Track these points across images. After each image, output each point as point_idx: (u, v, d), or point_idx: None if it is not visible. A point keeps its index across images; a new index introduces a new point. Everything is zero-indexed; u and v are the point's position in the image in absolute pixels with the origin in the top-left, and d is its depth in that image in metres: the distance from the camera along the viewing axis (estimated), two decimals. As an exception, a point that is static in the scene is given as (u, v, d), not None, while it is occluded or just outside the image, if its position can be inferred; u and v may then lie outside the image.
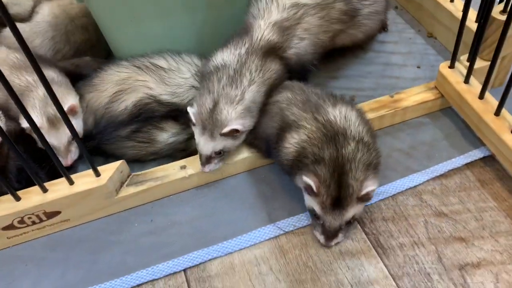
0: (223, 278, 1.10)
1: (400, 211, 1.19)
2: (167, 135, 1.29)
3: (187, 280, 1.10)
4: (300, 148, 1.10)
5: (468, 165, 1.28)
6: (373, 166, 1.08)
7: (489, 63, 1.20)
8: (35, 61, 0.91)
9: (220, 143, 1.15)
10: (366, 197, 1.05)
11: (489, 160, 1.28)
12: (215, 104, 1.14)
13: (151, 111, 1.26)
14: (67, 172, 1.14)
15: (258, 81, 1.18)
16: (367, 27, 1.47)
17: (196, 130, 1.16)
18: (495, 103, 1.22)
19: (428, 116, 1.41)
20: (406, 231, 1.15)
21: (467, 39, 1.31)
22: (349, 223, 1.08)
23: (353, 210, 1.05)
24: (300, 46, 1.28)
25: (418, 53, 1.63)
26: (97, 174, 1.16)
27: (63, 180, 1.16)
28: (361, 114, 1.17)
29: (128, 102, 1.27)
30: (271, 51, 1.22)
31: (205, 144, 1.15)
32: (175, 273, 1.11)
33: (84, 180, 1.16)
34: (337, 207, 1.04)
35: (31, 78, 1.25)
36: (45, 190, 1.14)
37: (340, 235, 1.09)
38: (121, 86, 1.28)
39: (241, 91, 1.15)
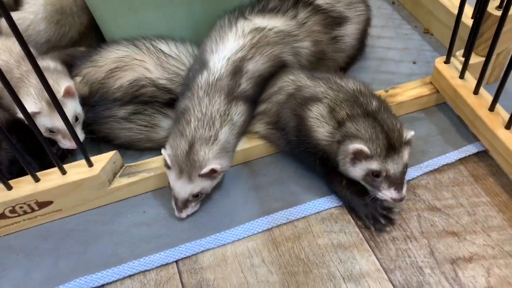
0: (215, 269, 1.09)
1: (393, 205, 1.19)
2: (171, 122, 1.24)
3: (179, 272, 1.10)
4: (329, 118, 1.12)
5: (462, 160, 1.28)
6: (396, 114, 1.13)
7: (484, 58, 1.20)
8: (25, 45, 0.91)
9: (198, 185, 1.11)
10: (409, 142, 1.08)
11: (483, 156, 1.28)
12: (191, 145, 1.10)
13: (150, 95, 1.24)
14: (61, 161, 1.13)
15: (229, 124, 1.14)
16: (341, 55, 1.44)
17: (172, 174, 1.11)
18: (489, 98, 1.22)
19: (423, 111, 1.41)
20: (399, 225, 1.15)
21: (463, 34, 1.31)
22: (406, 169, 1.09)
23: (406, 153, 1.07)
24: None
25: (414, 49, 1.63)
26: (90, 164, 1.16)
27: (55, 170, 1.15)
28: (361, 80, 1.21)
29: (123, 80, 1.24)
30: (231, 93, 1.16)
31: (182, 187, 1.11)
32: (167, 264, 1.11)
33: (77, 170, 1.16)
34: (393, 152, 1.05)
35: (27, 67, 1.24)
36: (37, 179, 1.14)
37: (405, 183, 1.09)
38: (119, 64, 1.26)
39: (215, 132, 1.11)
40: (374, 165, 1.05)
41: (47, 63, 1.28)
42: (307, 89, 1.18)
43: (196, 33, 1.40)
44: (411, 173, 1.24)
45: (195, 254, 1.12)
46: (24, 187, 1.13)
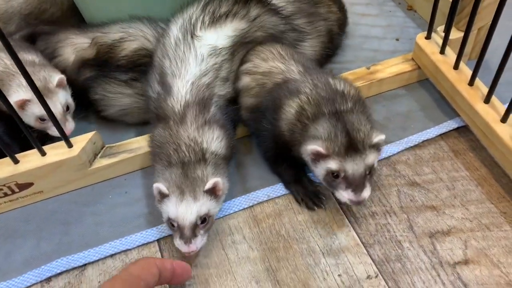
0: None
1: (373, 181, 1.19)
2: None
3: (160, 250, 1.10)
4: (300, 110, 1.08)
5: (442, 136, 1.28)
6: (372, 122, 1.09)
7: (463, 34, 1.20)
8: (8, 44, 0.92)
9: (204, 204, 1.01)
10: (378, 147, 1.04)
11: (463, 131, 1.29)
12: (184, 168, 1.04)
13: (148, 64, 1.25)
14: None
15: (212, 148, 1.09)
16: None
17: (171, 201, 1.00)
18: (469, 73, 1.22)
19: (405, 88, 1.41)
20: (378, 200, 1.16)
21: (446, 10, 1.30)
22: (370, 173, 1.03)
23: (372, 156, 1.02)
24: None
25: (398, 26, 1.63)
26: (69, 145, 1.15)
27: (34, 151, 1.15)
28: (359, 91, 1.15)
29: (128, 50, 1.28)
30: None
31: (187, 209, 0.99)
32: (148, 243, 1.12)
33: (56, 151, 1.15)
34: (354, 152, 1.00)
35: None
36: (16, 161, 1.13)
37: (367, 187, 1.02)
38: (124, 33, 1.30)
39: (201, 155, 1.06)
40: (331, 164, 1.00)
41: (32, 57, 1.28)
42: (294, 83, 1.14)
43: (173, 10, 1.37)
44: (392, 149, 1.25)
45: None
46: (3, 169, 1.13)
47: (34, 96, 1.13)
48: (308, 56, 1.32)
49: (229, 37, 1.20)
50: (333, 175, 1.02)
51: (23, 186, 1.16)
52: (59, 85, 1.23)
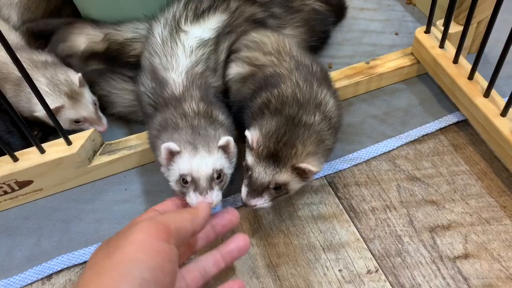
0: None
1: (373, 176, 1.20)
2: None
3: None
4: (266, 101, 1.06)
5: (442, 130, 1.28)
6: (324, 149, 1.02)
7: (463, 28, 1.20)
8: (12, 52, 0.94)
9: (220, 160, 0.98)
10: (303, 173, 0.97)
11: (463, 125, 1.29)
12: (194, 129, 1.01)
13: None
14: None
15: (220, 118, 1.09)
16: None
17: (184, 157, 0.96)
18: (469, 67, 1.22)
19: (404, 83, 1.41)
20: (378, 195, 1.16)
21: (445, 4, 1.29)
22: (278, 189, 0.98)
23: (288, 176, 0.97)
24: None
25: (397, 20, 1.62)
26: (69, 142, 1.15)
27: (34, 149, 1.14)
28: (339, 99, 1.12)
29: (138, 51, 1.31)
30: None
31: (202, 162, 0.95)
32: (149, 239, 1.11)
33: (56, 148, 1.15)
34: (271, 161, 0.96)
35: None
36: (15, 159, 1.13)
37: (265, 198, 0.98)
38: (136, 34, 1.32)
39: (210, 118, 1.06)
40: (250, 158, 0.99)
41: (45, 57, 1.29)
42: (278, 78, 1.09)
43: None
44: (391, 144, 1.25)
45: (176, 229, 1.13)
46: (2, 167, 1.12)
47: (66, 101, 1.21)
48: (308, 55, 1.25)
49: (213, 30, 1.21)
50: (247, 169, 1.01)
51: (22, 184, 1.16)
52: (80, 84, 1.24)
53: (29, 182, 1.16)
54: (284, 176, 0.97)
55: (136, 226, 0.72)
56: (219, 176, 0.97)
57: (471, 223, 1.09)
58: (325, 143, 1.02)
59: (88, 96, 1.26)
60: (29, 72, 1.20)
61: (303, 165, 0.96)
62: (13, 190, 1.16)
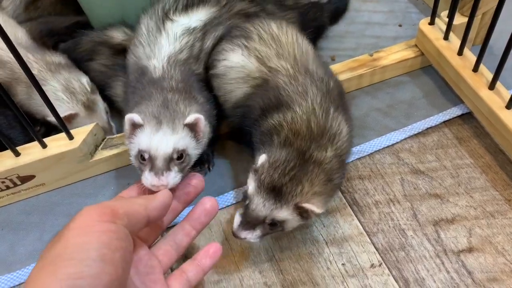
0: (199, 237, 1.09)
1: (376, 170, 1.19)
2: None
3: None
4: (278, 126, 0.99)
5: (446, 123, 1.27)
6: (331, 188, 0.96)
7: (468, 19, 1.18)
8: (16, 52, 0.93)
9: (183, 139, 0.92)
10: (304, 212, 0.91)
11: (467, 118, 1.27)
12: (166, 100, 0.98)
13: None
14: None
15: (198, 97, 1.07)
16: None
17: (145, 132, 0.92)
18: (473, 59, 1.20)
19: (408, 75, 1.39)
20: (382, 189, 1.15)
21: (449, -5, 1.28)
22: (274, 226, 0.92)
23: (288, 214, 0.91)
24: None
25: (400, 12, 1.60)
26: (70, 137, 1.15)
27: (36, 144, 1.14)
28: (351, 125, 1.06)
29: None
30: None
31: (163, 139, 0.90)
32: (151, 234, 1.11)
33: (57, 143, 1.15)
34: (273, 195, 0.90)
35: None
36: (17, 154, 1.13)
37: (257, 232, 0.93)
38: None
39: (186, 92, 1.03)
40: (251, 185, 0.94)
41: (59, 59, 1.29)
42: (290, 94, 1.02)
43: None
44: (395, 137, 1.24)
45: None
46: (4, 162, 1.12)
47: (82, 110, 1.23)
48: (323, 65, 1.15)
49: (200, 20, 1.19)
50: (245, 196, 0.95)
51: (25, 179, 1.15)
52: (93, 91, 1.26)
53: (31, 177, 1.16)
54: (284, 213, 0.90)
55: (79, 213, 0.71)
56: (180, 157, 0.92)
57: (476, 216, 1.08)
58: (333, 182, 0.96)
59: (101, 105, 1.27)
60: (43, 74, 1.22)
61: (307, 205, 0.90)
62: (15, 185, 1.15)
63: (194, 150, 0.96)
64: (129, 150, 0.97)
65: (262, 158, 0.93)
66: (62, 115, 1.13)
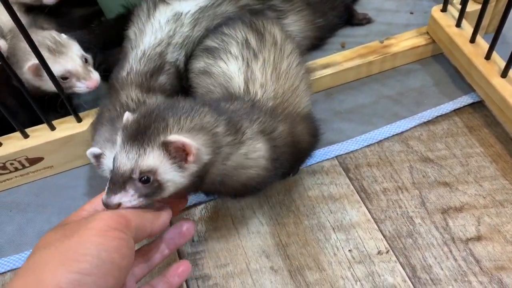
0: (207, 222, 1.10)
1: (385, 157, 1.18)
2: None
3: (171, 224, 1.10)
4: None
5: (456, 111, 1.26)
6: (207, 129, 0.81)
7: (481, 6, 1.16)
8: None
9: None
10: (176, 151, 0.76)
11: (478, 106, 1.26)
12: (114, 123, 0.99)
13: None
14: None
15: None
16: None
17: (107, 157, 0.94)
18: (486, 46, 1.18)
19: (419, 63, 1.38)
20: (390, 176, 1.14)
21: (462, -19, 1.26)
22: (147, 182, 0.76)
23: (153, 158, 0.75)
24: None
25: (412, -1, 1.58)
26: (79, 119, 1.15)
27: (44, 126, 1.14)
28: None
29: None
30: None
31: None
32: (158, 217, 1.11)
33: (66, 125, 1.15)
34: (136, 144, 0.76)
35: None
36: (26, 135, 1.13)
37: (129, 192, 0.76)
38: None
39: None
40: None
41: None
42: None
43: None
44: (405, 125, 1.22)
45: (187, 207, 1.13)
46: (13, 144, 1.13)
47: (49, 56, 1.08)
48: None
49: (196, 5, 1.18)
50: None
51: (33, 161, 1.16)
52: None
53: (40, 159, 1.16)
54: (150, 158, 0.75)
55: (97, 216, 0.74)
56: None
57: (484, 205, 1.07)
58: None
59: (76, 50, 1.15)
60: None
61: (174, 137, 0.74)
62: (23, 167, 1.16)
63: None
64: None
65: (126, 115, 0.80)
66: (25, 68, 1.09)
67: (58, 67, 1.10)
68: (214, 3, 1.20)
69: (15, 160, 1.13)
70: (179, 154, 0.76)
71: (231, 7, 1.23)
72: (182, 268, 0.92)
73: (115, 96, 1.09)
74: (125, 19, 1.25)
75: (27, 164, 1.16)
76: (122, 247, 0.70)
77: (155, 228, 0.81)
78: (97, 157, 0.97)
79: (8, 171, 1.15)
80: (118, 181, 0.76)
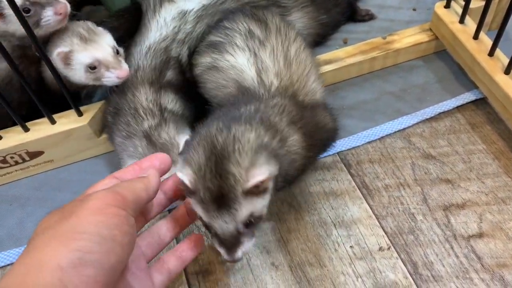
0: (207, 217, 1.09)
1: (387, 153, 1.17)
2: None
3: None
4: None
5: (459, 108, 1.25)
6: (268, 149, 0.81)
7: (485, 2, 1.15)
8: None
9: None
10: (256, 190, 0.77)
11: (481, 103, 1.25)
12: (148, 136, 1.02)
13: None
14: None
15: (170, 107, 1.10)
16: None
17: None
18: (489, 43, 1.18)
19: (422, 59, 1.37)
20: (392, 173, 1.14)
21: (465, -23, 1.25)
22: (251, 225, 0.80)
23: (245, 207, 0.77)
24: None
25: (415, -4, 1.57)
26: (79, 113, 1.14)
27: (45, 120, 1.14)
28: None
29: None
30: None
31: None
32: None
33: (66, 119, 1.14)
34: (222, 205, 0.77)
35: None
36: (26, 129, 1.13)
37: (245, 241, 0.80)
38: None
39: (160, 115, 1.06)
40: (200, 212, 0.80)
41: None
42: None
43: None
44: (407, 121, 1.22)
45: (187, 203, 1.12)
46: (14, 137, 1.12)
47: (76, 43, 1.04)
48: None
49: (200, 3, 1.18)
50: (205, 226, 0.84)
51: (33, 155, 1.15)
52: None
53: (40, 153, 1.16)
54: (243, 211, 0.77)
55: (93, 195, 0.72)
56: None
57: (487, 202, 1.07)
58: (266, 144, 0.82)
59: (108, 39, 1.09)
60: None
61: (248, 184, 0.75)
62: (24, 160, 1.16)
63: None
64: None
65: (181, 173, 0.79)
66: (54, 56, 1.04)
67: (87, 54, 1.05)
68: (217, 1, 1.20)
69: (15, 153, 1.13)
70: (258, 187, 0.77)
71: (234, 4, 1.22)
72: (194, 241, 0.89)
73: (127, 94, 1.08)
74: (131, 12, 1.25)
75: (27, 158, 1.16)
76: (122, 223, 0.69)
77: (150, 193, 0.78)
78: None
79: (8, 164, 1.15)
80: (232, 241, 0.80)
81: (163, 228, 0.90)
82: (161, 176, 0.83)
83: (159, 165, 0.84)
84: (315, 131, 0.95)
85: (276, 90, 0.96)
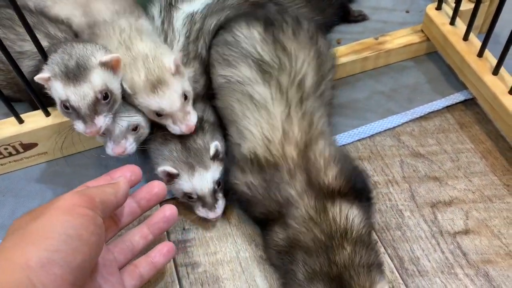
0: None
1: (376, 151, 1.19)
2: None
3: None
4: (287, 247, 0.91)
5: (449, 108, 1.27)
6: (376, 265, 0.87)
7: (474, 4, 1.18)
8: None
9: (216, 170, 1.06)
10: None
11: (470, 104, 1.27)
12: (183, 140, 1.07)
13: None
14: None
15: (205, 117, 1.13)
16: None
17: (183, 178, 1.04)
18: (479, 44, 1.20)
19: (413, 60, 1.39)
20: (381, 170, 1.15)
21: (457, -20, 1.28)
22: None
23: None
24: None
25: (408, -2, 1.59)
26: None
27: (39, 111, 1.15)
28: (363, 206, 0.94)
29: None
30: None
31: (202, 179, 1.04)
32: (151, 205, 1.12)
33: (61, 112, 1.16)
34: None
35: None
36: (21, 121, 1.14)
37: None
38: None
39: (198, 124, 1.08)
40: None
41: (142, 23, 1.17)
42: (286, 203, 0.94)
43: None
44: (396, 120, 1.24)
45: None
46: (8, 128, 1.13)
47: (148, 86, 0.99)
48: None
49: (203, 3, 1.20)
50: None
51: (27, 147, 1.16)
52: (176, 70, 1.01)
53: (34, 145, 1.17)
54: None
55: (61, 197, 0.75)
56: (219, 184, 1.05)
57: (473, 200, 1.09)
58: (374, 263, 0.86)
59: (177, 86, 1.01)
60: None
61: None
62: (18, 152, 1.17)
63: (221, 172, 1.06)
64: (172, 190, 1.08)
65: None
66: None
67: (153, 103, 1.00)
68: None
69: (9, 145, 1.14)
70: None
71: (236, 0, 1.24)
72: (167, 248, 0.93)
73: None
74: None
75: (21, 150, 1.17)
76: (89, 223, 0.71)
77: (119, 196, 0.81)
78: (171, 176, 1.04)
79: (2, 156, 1.16)
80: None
81: (136, 235, 0.93)
82: (131, 187, 0.88)
83: (129, 176, 0.90)
84: None
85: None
